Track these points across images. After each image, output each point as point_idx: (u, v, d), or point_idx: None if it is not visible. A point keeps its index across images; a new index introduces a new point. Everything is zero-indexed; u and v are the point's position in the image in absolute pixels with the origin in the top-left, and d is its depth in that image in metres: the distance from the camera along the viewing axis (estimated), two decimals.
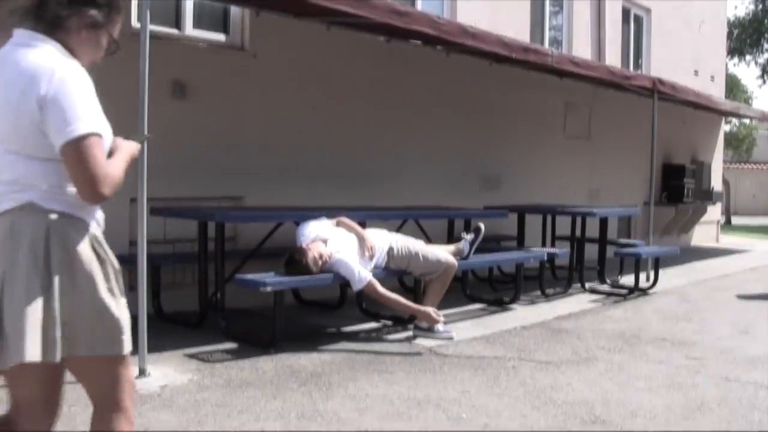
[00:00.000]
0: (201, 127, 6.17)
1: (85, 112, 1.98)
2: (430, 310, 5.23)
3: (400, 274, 5.73)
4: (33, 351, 1.92)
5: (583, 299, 7.33)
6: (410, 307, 5.24)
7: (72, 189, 2.02)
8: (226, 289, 5.25)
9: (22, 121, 1.97)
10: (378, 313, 5.79)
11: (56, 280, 1.97)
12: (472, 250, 5.98)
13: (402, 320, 5.61)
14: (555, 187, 9.90)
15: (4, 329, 1.95)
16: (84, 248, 2.04)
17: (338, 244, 5.15)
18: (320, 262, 4.99)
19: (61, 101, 1.95)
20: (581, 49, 10.83)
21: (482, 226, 6.08)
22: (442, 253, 5.58)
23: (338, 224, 5.38)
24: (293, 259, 4.99)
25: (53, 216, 2.01)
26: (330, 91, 7.06)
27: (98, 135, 2.00)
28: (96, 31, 2.14)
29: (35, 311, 1.94)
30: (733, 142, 29.81)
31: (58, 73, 1.97)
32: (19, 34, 2.07)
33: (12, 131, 1.99)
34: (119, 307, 2.08)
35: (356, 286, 5.09)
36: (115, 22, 2.19)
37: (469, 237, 5.97)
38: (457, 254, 5.79)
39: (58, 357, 1.97)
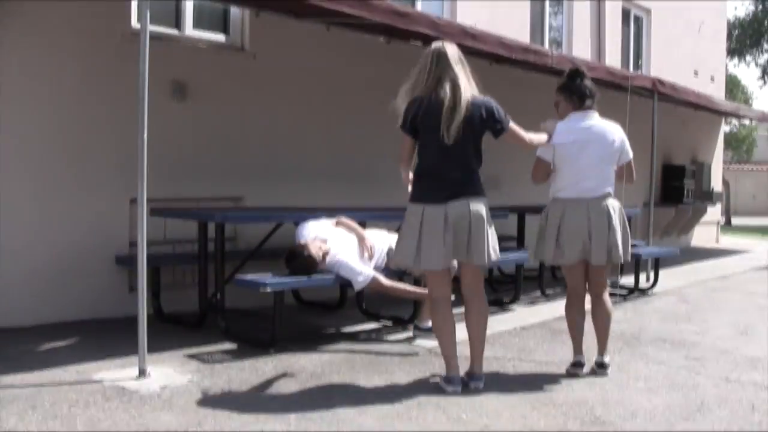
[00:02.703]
0: (201, 127, 6.18)
1: (629, 146, 4.61)
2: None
3: (400, 274, 5.72)
4: (604, 258, 4.42)
5: None
6: (418, 292, 5.18)
7: (613, 183, 4.52)
8: (226, 289, 5.25)
9: (614, 153, 4.50)
10: (378, 314, 5.79)
11: (622, 224, 4.49)
12: None
13: (402, 321, 5.60)
14: None
15: (605, 245, 4.40)
16: (622, 208, 4.53)
17: (338, 244, 5.14)
18: (321, 254, 4.99)
19: (627, 147, 4.60)
20: (581, 49, 10.83)
21: None
22: None
23: (338, 224, 5.36)
24: (295, 253, 4.98)
25: (615, 198, 4.49)
26: (330, 92, 7.06)
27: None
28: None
29: (619, 238, 4.40)
30: (733, 142, 29.84)
31: (622, 133, 4.60)
32: (592, 111, 4.50)
33: (610, 157, 4.48)
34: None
35: (358, 286, 5.09)
36: None
37: None
38: None
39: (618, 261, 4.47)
